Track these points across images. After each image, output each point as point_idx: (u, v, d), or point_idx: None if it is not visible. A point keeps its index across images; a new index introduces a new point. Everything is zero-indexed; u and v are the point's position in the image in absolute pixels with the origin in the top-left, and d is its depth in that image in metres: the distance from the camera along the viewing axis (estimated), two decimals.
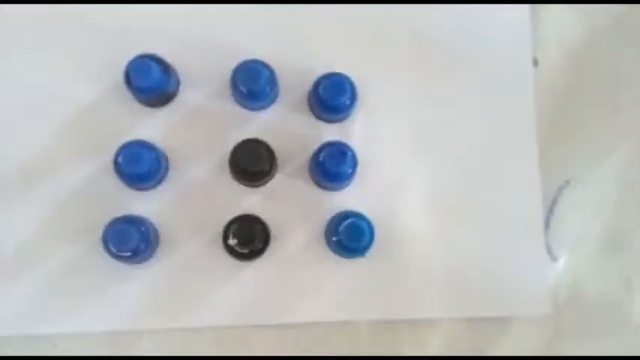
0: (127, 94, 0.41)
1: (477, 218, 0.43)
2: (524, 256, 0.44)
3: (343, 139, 0.42)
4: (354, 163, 0.41)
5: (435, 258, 0.43)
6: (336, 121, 0.43)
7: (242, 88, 0.40)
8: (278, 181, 0.43)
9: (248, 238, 0.40)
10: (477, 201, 0.44)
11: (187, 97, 0.43)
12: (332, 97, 0.41)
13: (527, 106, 0.44)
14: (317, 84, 0.41)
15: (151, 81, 0.39)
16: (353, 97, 0.41)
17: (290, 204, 0.43)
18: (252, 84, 0.40)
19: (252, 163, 0.40)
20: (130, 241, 0.38)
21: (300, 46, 0.44)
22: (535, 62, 0.45)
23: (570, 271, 0.44)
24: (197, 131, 0.43)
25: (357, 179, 0.42)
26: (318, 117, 0.43)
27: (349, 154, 0.40)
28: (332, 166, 0.40)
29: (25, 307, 0.41)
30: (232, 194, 0.42)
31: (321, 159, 0.40)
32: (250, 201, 0.42)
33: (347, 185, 0.43)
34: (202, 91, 0.43)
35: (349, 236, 0.40)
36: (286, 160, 0.42)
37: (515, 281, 0.43)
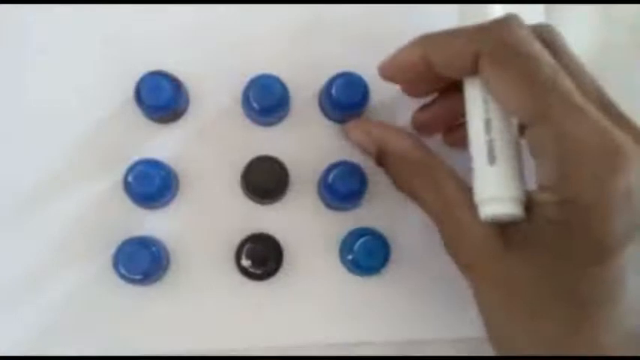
0: (136, 110, 0.41)
1: None
2: None
3: (355, 151, 0.41)
4: (365, 183, 0.40)
5: (443, 276, 0.42)
6: (347, 122, 0.42)
7: (255, 105, 0.39)
8: (290, 197, 0.42)
9: (262, 258, 0.39)
10: None
11: (198, 112, 0.42)
12: (345, 96, 0.40)
13: None
14: (330, 83, 0.40)
15: (163, 99, 0.38)
16: (365, 96, 0.40)
17: (303, 221, 0.42)
18: (266, 100, 0.39)
19: (266, 180, 0.39)
20: (141, 263, 0.37)
21: (309, 49, 0.43)
22: None
23: None
24: (208, 148, 0.42)
25: (369, 193, 0.41)
26: (330, 117, 0.42)
27: (359, 173, 0.40)
28: (342, 187, 0.39)
29: (35, 329, 0.40)
30: (244, 212, 0.41)
31: (330, 180, 0.39)
32: (262, 219, 0.41)
33: (357, 205, 0.42)
34: (213, 107, 0.42)
35: (365, 254, 0.39)
36: (298, 176, 0.41)
37: None
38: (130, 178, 0.38)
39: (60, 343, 0.40)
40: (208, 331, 0.40)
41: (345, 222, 0.42)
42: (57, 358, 0.39)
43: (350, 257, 0.40)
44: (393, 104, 0.43)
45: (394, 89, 0.42)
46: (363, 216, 0.42)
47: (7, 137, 0.41)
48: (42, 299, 0.40)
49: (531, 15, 0.44)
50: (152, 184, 0.38)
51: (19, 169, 0.40)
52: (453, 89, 0.37)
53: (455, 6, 0.43)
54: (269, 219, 0.41)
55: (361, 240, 0.39)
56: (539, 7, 0.44)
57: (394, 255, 0.40)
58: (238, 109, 0.42)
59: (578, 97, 0.31)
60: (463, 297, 0.41)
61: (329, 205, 0.42)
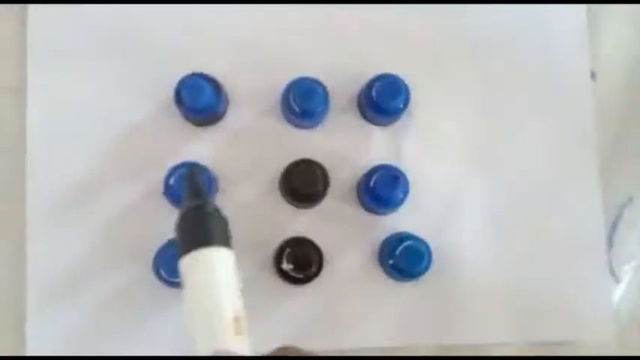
0: (175, 113, 0.40)
1: (537, 238, 0.42)
2: (586, 278, 0.42)
3: (394, 154, 0.41)
4: (406, 188, 0.39)
5: (493, 281, 0.41)
6: (386, 124, 0.42)
7: (295, 107, 0.39)
8: (328, 201, 0.41)
9: (304, 262, 0.38)
10: (536, 220, 0.42)
11: (236, 116, 0.41)
12: (385, 98, 0.39)
13: (587, 120, 0.43)
14: (370, 85, 0.40)
15: (203, 100, 0.38)
16: (406, 99, 0.40)
17: (341, 225, 0.41)
18: (307, 103, 0.39)
19: (306, 184, 0.39)
20: None
21: (349, 49, 0.42)
22: (593, 75, 0.44)
23: (634, 293, 0.42)
24: (246, 151, 0.41)
25: (408, 198, 0.41)
26: (368, 120, 0.42)
27: (401, 178, 0.39)
28: (384, 192, 0.39)
29: (75, 329, 0.40)
30: (282, 216, 0.41)
31: (371, 184, 0.39)
32: (301, 223, 0.41)
33: (397, 209, 0.41)
34: (251, 110, 0.42)
35: (407, 259, 0.39)
36: (336, 180, 0.41)
37: (577, 304, 0.42)
38: (171, 181, 0.38)
39: (98, 345, 0.39)
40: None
41: (384, 226, 0.41)
42: (54, 358, 0.39)
43: (391, 262, 0.39)
44: (434, 107, 0.42)
45: (436, 91, 0.42)
46: (403, 220, 0.41)
47: (49, 140, 0.41)
48: (82, 302, 0.40)
49: (573, 15, 0.43)
50: None
51: (59, 172, 0.40)
52: None
53: (497, 6, 0.43)
54: (307, 223, 0.41)
55: (403, 245, 0.39)
56: (582, 8, 0.44)
57: (435, 260, 0.40)
58: (277, 112, 0.41)
59: None
60: (501, 303, 0.41)
61: (368, 209, 0.41)
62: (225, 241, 0.29)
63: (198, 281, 0.28)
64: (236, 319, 0.27)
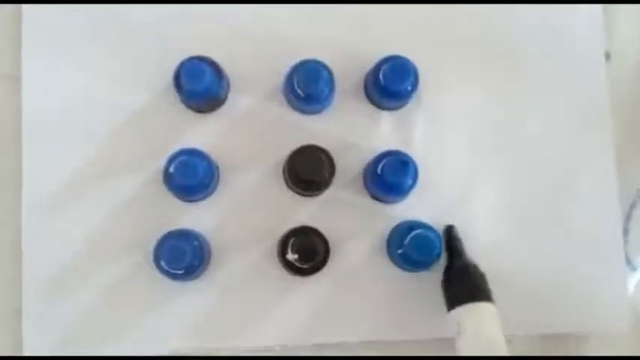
0: (174, 99, 0.39)
1: (551, 226, 0.40)
2: (601, 267, 0.40)
3: (402, 140, 0.39)
4: (416, 174, 0.38)
5: (506, 271, 0.40)
6: (394, 108, 0.40)
7: (299, 91, 0.37)
8: (334, 189, 0.40)
9: (309, 252, 0.37)
10: (550, 208, 0.41)
11: (238, 101, 0.40)
12: (393, 81, 0.37)
13: (602, 106, 0.41)
14: (377, 67, 0.38)
15: (204, 84, 0.36)
16: (415, 82, 0.38)
17: (347, 214, 0.40)
18: (311, 86, 0.37)
19: (312, 171, 0.37)
20: (184, 258, 0.35)
21: (355, 30, 0.40)
22: (607, 56, 0.42)
23: None
24: (249, 138, 0.40)
25: (417, 185, 0.39)
26: (375, 104, 0.40)
27: (410, 164, 0.37)
28: (392, 179, 0.37)
29: (74, 325, 0.38)
30: (287, 204, 0.40)
31: (379, 171, 0.37)
32: (306, 211, 0.40)
33: (405, 198, 0.40)
34: (253, 95, 0.40)
35: (417, 248, 0.37)
36: (342, 166, 0.39)
37: (592, 294, 0.40)
38: (171, 169, 0.36)
39: (98, 339, 0.38)
40: (250, 328, 0.39)
41: (391, 214, 0.40)
42: (50, 358, 0.38)
43: (400, 251, 0.38)
44: (444, 91, 0.41)
45: (445, 74, 0.41)
46: (411, 208, 0.40)
47: (46, 129, 0.39)
48: (80, 295, 0.38)
49: (589, 15, 0.42)
50: (195, 176, 0.36)
51: (55, 163, 0.39)
52: None
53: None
54: (312, 211, 0.40)
55: (413, 233, 0.37)
56: (597, 7, 0.42)
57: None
58: (280, 97, 0.40)
59: None
60: (513, 293, 0.39)
61: (375, 197, 0.40)
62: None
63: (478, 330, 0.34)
64: None
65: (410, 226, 0.38)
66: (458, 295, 0.36)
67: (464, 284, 0.36)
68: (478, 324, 0.34)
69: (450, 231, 0.38)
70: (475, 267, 0.37)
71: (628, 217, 0.41)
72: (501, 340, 0.34)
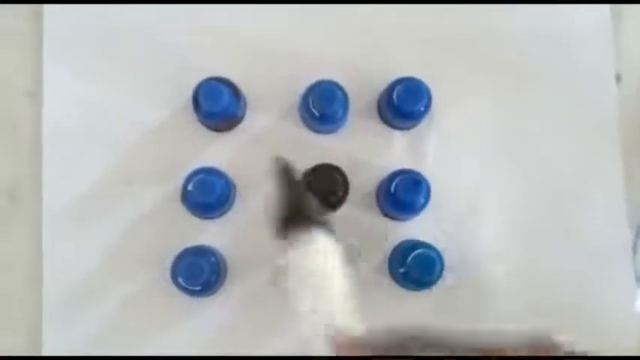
0: (192, 118, 0.40)
1: (560, 245, 0.41)
2: (610, 284, 0.41)
3: (414, 159, 0.40)
4: (428, 193, 0.38)
5: (514, 286, 0.40)
6: (406, 128, 0.41)
7: (315, 111, 0.38)
8: (347, 206, 0.40)
9: None
10: (560, 226, 0.41)
11: (254, 121, 0.41)
12: (407, 102, 0.38)
13: (612, 123, 0.42)
14: (391, 88, 0.39)
15: (222, 105, 0.37)
16: (428, 103, 0.39)
17: (357, 231, 0.40)
18: (326, 107, 0.38)
19: (326, 189, 0.38)
20: (201, 275, 0.36)
21: (369, 52, 0.41)
22: (618, 78, 0.43)
23: None
24: (265, 156, 0.40)
25: (429, 203, 0.39)
26: (389, 124, 0.41)
27: (423, 183, 0.38)
28: (405, 197, 0.38)
29: (90, 336, 0.39)
30: None
31: (392, 189, 0.38)
32: None
33: (417, 215, 0.40)
34: (269, 114, 0.41)
35: (419, 268, 0.37)
36: (356, 185, 0.40)
37: (601, 311, 0.40)
38: (189, 187, 0.37)
39: (114, 351, 0.39)
40: (265, 341, 0.39)
41: (403, 232, 0.40)
42: (51, 358, 0.39)
43: (402, 270, 0.38)
44: (455, 110, 0.41)
45: (457, 94, 0.41)
46: (423, 226, 0.40)
47: (65, 144, 0.40)
48: (97, 307, 0.39)
49: (597, 15, 0.42)
50: (213, 194, 0.37)
51: (76, 177, 0.40)
52: None
53: (516, 6, 0.42)
54: None
55: (415, 253, 0.37)
56: (605, 8, 0.43)
57: (452, 267, 0.39)
58: (296, 116, 0.41)
59: None
60: (522, 310, 0.40)
61: (388, 215, 0.40)
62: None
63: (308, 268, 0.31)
64: (345, 296, 0.30)
65: (412, 246, 0.38)
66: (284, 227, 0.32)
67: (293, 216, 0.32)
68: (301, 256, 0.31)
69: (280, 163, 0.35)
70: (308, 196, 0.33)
71: (637, 235, 0.42)
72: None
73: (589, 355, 0.41)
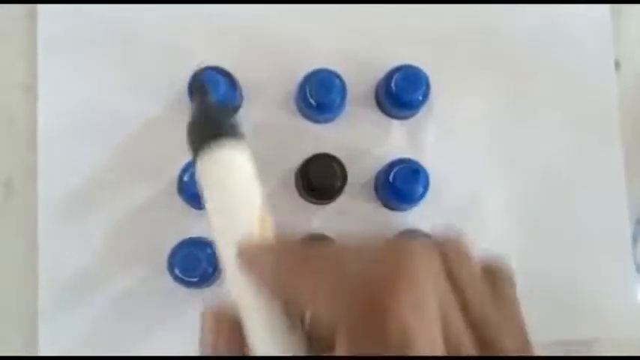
0: (188, 109, 0.39)
1: (560, 235, 0.41)
2: (611, 274, 0.41)
3: (413, 148, 0.40)
4: (427, 183, 0.38)
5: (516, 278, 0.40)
6: (405, 117, 0.41)
7: (312, 100, 0.38)
8: (345, 197, 0.40)
9: None
10: (560, 216, 0.41)
11: (250, 110, 0.40)
12: (405, 90, 0.38)
13: (612, 112, 0.42)
14: (388, 77, 0.38)
15: (218, 95, 0.36)
16: (426, 91, 0.38)
17: (355, 222, 0.40)
18: (323, 96, 0.37)
19: (324, 179, 0.38)
20: (198, 266, 0.36)
21: (366, 39, 0.41)
22: (617, 65, 0.42)
23: None
24: (261, 146, 0.40)
25: (428, 193, 0.39)
26: (387, 112, 0.41)
27: (421, 172, 0.38)
28: (403, 187, 0.37)
29: (87, 331, 0.39)
30: (299, 212, 0.40)
31: (390, 178, 0.38)
32: (318, 219, 0.40)
33: (416, 205, 0.40)
34: (266, 104, 0.40)
35: None
36: (354, 175, 0.40)
37: (602, 301, 0.40)
38: (185, 179, 0.37)
39: (111, 345, 0.39)
40: None
41: (402, 222, 0.40)
42: (51, 358, 0.39)
43: None
44: (454, 99, 0.41)
45: (456, 83, 0.41)
46: (421, 216, 0.40)
47: (61, 138, 0.40)
48: (94, 301, 0.39)
49: (597, 15, 0.42)
50: None
51: (71, 170, 0.39)
52: None
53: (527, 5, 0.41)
54: (324, 219, 0.40)
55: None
56: (605, 8, 0.42)
57: None
58: (292, 106, 0.40)
59: None
60: (523, 301, 0.39)
61: (386, 205, 0.40)
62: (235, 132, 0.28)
63: (216, 179, 0.27)
64: (261, 219, 0.26)
65: (410, 236, 0.38)
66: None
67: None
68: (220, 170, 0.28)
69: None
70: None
71: (637, 225, 0.41)
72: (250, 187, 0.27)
73: (589, 353, 0.41)
